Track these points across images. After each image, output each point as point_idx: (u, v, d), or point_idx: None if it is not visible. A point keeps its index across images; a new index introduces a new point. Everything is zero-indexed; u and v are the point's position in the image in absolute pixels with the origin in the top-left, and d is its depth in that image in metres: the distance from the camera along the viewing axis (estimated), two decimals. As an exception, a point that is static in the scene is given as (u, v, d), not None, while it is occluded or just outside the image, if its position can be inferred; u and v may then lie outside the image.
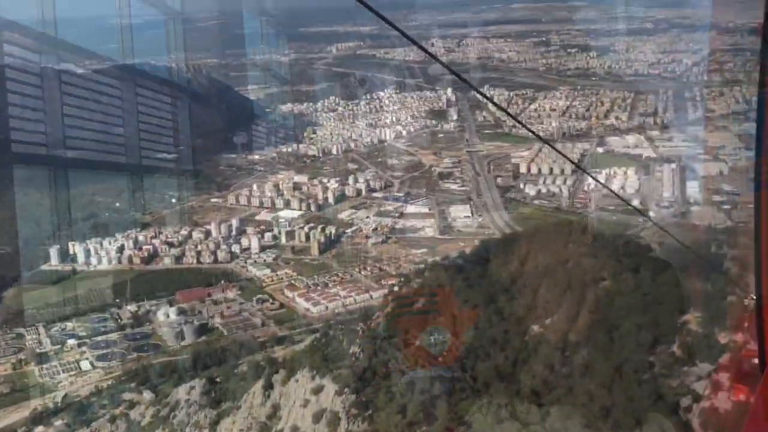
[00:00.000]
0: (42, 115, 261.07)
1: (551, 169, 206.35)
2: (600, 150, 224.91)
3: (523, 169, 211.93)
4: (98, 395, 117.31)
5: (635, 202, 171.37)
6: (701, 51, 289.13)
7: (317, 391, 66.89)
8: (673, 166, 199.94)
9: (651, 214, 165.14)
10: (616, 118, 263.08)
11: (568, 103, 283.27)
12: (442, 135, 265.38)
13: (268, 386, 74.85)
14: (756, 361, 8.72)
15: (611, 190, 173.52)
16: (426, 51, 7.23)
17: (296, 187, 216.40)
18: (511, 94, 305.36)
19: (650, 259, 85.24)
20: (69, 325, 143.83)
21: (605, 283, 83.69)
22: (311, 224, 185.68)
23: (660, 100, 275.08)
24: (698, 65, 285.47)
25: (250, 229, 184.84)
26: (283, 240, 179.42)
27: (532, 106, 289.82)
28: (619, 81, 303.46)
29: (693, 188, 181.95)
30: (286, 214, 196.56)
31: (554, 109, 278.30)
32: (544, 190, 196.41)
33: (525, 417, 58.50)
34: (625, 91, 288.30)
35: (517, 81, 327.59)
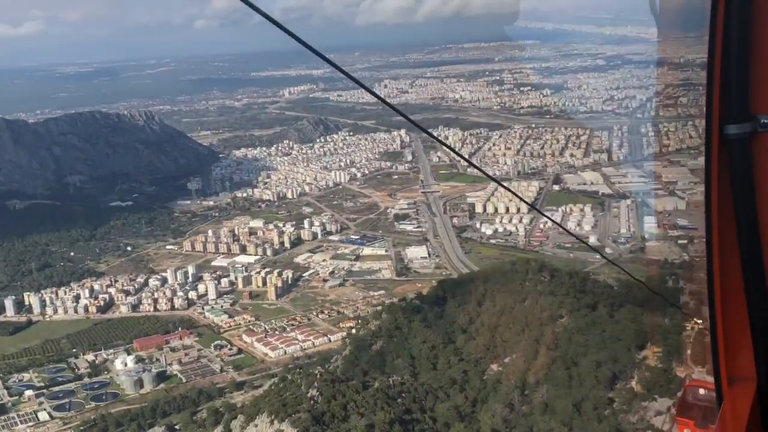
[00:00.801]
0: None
1: (507, 208, 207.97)
2: (556, 187, 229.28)
3: (479, 209, 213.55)
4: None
5: (591, 240, 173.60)
6: (654, 86, 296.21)
7: (276, 437, 66.16)
8: (629, 202, 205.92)
9: (607, 250, 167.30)
10: (571, 155, 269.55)
11: (523, 141, 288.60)
12: (396, 176, 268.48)
13: (227, 433, 73.96)
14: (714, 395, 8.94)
15: (565, 230, 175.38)
16: (374, 93, 7.23)
17: (252, 232, 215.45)
18: (466, 133, 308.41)
19: (607, 296, 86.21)
20: (26, 375, 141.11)
21: (563, 320, 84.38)
22: (268, 269, 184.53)
23: (614, 136, 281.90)
24: (651, 100, 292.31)
25: (206, 275, 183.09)
26: (240, 285, 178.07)
27: (487, 145, 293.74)
28: (573, 118, 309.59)
29: (649, 223, 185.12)
30: (242, 259, 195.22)
31: (509, 148, 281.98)
32: (500, 229, 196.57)
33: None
34: (580, 128, 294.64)
35: (471, 120, 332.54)
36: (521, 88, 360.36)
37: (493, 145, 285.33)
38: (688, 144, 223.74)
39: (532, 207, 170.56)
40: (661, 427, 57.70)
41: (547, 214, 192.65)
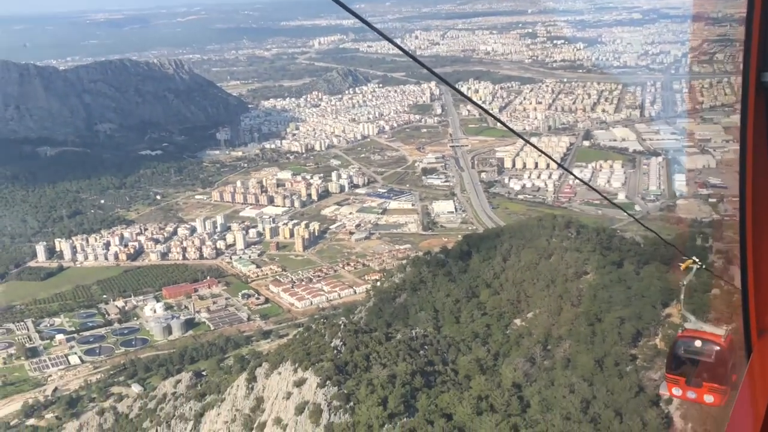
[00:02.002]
0: (25, 112, 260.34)
1: (536, 164, 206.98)
2: (586, 143, 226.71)
3: (508, 164, 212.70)
4: (87, 389, 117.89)
5: (620, 196, 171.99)
6: (690, 41, 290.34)
7: (300, 383, 66.85)
8: (660, 159, 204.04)
9: (636, 207, 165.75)
10: (603, 110, 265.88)
11: (554, 96, 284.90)
12: (425, 130, 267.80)
13: (252, 379, 74.73)
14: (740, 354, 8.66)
15: (591, 187, 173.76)
16: (399, 47, 7.06)
17: (279, 183, 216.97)
18: (496, 87, 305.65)
19: (634, 253, 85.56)
20: (57, 320, 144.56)
21: (588, 276, 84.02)
22: (295, 221, 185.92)
23: (648, 92, 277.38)
24: (686, 56, 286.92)
25: (234, 226, 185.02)
26: (268, 236, 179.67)
27: (517, 100, 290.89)
28: (606, 73, 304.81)
29: (680, 181, 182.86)
30: (270, 210, 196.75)
31: (540, 102, 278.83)
32: (529, 185, 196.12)
33: (505, 409, 58.56)
34: (612, 83, 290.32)
35: (502, 73, 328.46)
36: (554, 42, 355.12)
37: (524, 99, 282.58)
38: (723, 101, 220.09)
39: (559, 165, 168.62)
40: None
41: (576, 170, 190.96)
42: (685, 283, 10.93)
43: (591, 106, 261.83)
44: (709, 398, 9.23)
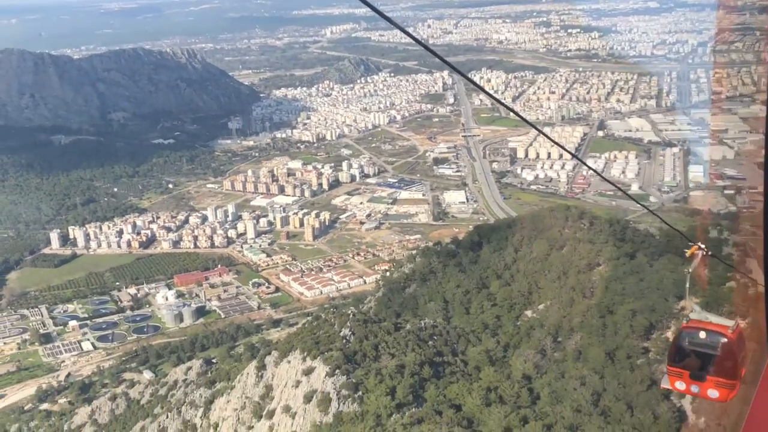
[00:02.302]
0: (40, 100, 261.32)
1: (549, 154, 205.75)
2: (600, 133, 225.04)
3: (520, 154, 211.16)
4: (100, 374, 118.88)
5: (634, 187, 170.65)
6: (708, 31, 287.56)
7: (308, 372, 66.66)
8: (676, 150, 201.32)
9: (651, 199, 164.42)
10: (618, 100, 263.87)
11: (568, 85, 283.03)
12: (437, 119, 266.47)
13: (262, 367, 74.61)
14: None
15: (603, 178, 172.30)
16: (411, 36, 6.77)
17: (290, 172, 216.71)
18: (510, 76, 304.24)
19: (648, 245, 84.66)
20: (71, 307, 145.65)
21: (600, 268, 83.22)
22: (305, 210, 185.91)
23: (664, 81, 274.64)
24: (704, 45, 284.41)
25: (245, 214, 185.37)
26: (278, 225, 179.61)
27: (531, 89, 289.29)
28: (622, 62, 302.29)
29: (695, 173, 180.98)
30: (280, 199, 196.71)
31: (554, 92, 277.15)
32: (542, 175, 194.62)
33: (515, 400, 58.12)
34: (628, 72, 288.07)
35: (515, 63, 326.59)
36: (569, 30, 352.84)
37: (538, 88, 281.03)
38: (741, 91, 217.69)
39: (573, 155, 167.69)
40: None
41: (589, 161, 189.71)
42: (690, 270, 10.53)
43: (606, 95, 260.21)
44: (713, 393, 8.87)
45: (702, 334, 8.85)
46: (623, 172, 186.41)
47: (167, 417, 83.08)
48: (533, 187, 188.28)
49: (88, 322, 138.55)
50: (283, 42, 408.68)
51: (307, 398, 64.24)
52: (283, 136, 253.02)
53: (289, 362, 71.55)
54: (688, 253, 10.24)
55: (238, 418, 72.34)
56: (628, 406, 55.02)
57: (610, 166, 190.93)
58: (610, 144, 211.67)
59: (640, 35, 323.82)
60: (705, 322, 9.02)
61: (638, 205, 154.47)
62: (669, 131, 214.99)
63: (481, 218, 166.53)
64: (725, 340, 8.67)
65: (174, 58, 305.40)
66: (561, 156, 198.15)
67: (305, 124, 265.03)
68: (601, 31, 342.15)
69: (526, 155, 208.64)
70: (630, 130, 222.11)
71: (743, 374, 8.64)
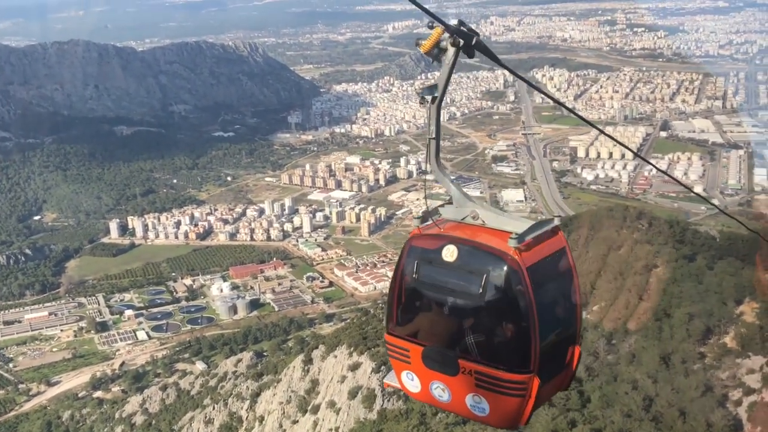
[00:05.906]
0: (103, 91, 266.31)
1: (611, 153, 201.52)
2: (663, 134, 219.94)
3: (581, 153, 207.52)
4: (153, 364, 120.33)
5: (697, 189, 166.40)
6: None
7: (354, 367, 66.18)
8: (741, 152, 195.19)
9: (714, 201, 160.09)
10: (683, 101, 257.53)
11: (632, 84, 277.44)
12: (497, 116, 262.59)
13: (308, 361, 74.45)
14: None
15: (672, 177, 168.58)
16: (444, 22, 6.11)
17: (348, 167, 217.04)
18: (572, 74, 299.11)
19: (708, 247, 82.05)
20: (127, 296, 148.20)
21: (658, 270, 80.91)
22: (362, 205, 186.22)
23: (730, 82, 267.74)
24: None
25: (302, 209, 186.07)
26: (334, 220, 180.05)
27: (594, 88, 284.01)
28: (688, 62, 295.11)
29: (761, 176, 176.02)
30: (337, 194, 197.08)
31: (617, 91, 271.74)
32: (602, 175, 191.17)
33: (564, 403, 56.64)
34: (694, 72, 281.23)
35: (578, 61, 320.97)
36: (634, 29, 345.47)
37: (601, 87, 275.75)
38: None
39: (636, 154, 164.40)
40: (754, 386, 54.64)
41: (652, 162, 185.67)
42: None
43: (670, 96, 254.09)
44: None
45: None
46: (686, 174, 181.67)
47: (214, 408, 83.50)
48: (593, 187, 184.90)
49: (144, 311, 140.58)
50: (345, 37, 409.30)
51: (352, 394, 63.67)
52: (342, 131, 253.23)
53: (335, 357, 71.14)
54: None
55: (284, 412, 72.20)
56: (680, 413, 53.05)
57: (673, 167, 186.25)
58: (673, 145, 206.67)
59: (708, 35, 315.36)
60: None
61: (701, 208, 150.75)
62: (734, 133, 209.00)
63: (538, 217, 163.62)
64: None
65: (236, 51, 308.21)
66: (623, 156, 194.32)
67: (364, 119, 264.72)
68: (667, 30, 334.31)
69: (587, 155, 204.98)
70: (694, 131, 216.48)
71: None
